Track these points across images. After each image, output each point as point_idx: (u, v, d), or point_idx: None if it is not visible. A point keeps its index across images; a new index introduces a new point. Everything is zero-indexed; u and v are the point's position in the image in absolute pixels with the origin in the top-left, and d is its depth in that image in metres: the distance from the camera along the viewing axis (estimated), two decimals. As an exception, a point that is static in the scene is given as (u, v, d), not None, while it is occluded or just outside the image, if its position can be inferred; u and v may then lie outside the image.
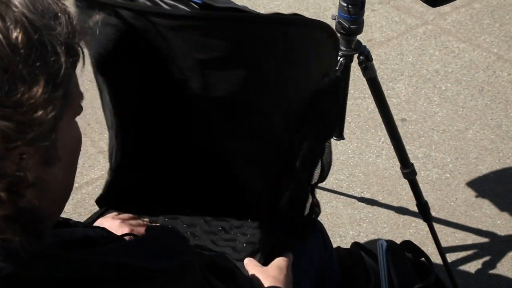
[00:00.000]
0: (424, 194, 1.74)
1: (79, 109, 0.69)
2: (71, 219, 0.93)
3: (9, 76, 0.58)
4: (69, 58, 0.64)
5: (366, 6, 1.34)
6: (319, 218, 1.38)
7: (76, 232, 0.76)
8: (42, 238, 0.64)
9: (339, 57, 1.41)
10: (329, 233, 1.32)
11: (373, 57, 1.47)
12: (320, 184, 2.12)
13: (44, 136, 0.62)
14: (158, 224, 0.91)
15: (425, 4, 1.22)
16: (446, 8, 2.85)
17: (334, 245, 1.62)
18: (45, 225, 0.67)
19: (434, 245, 1.78)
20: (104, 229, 0.95)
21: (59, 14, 0.64)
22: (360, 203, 2.07)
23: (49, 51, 0.61)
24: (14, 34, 0.59)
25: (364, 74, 1.48)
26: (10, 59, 0.58)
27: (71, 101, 0.66)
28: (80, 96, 0.69)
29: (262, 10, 2.93)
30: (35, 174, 0.62)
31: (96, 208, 1.77)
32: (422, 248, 1.79)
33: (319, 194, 2.10)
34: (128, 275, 0.67)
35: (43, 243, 0.65)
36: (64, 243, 0.70)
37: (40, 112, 0.60)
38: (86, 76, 0.86)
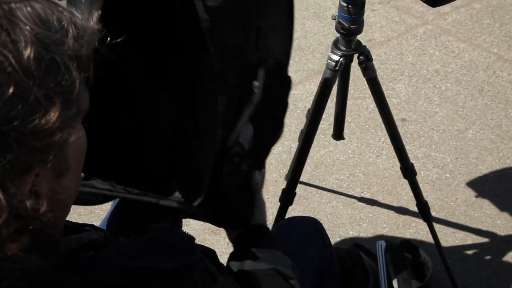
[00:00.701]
0: (424, 194, 1.74)
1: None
2: None
3: (24, 103, 0.55)
4: (81, 72, 0.61)
5: (366, 6, 1.34)
6: (319, 218, 1.39)
7: (83, 237, 0.74)
8: (57, 253, 0.63)
9: (339, 57, 1.41)
10: (329, 233, 1.32)
11: (373, 57, 1.47)
12: (320, 184, 2.13)
13: (59, 154, 0.60)
14: (162, 224, 0.90)
15: (425, 4, 1.22)
16: (446, 8, 2.85)
17: (334, 245, 1.62)
18: (59, 240, 0.67)
19: (434, 245, 1.78)
20: (93, 226, 0.95)
21: (66, 25, 0.61)
22: (360, 203, 2.07)
23: (61, 69, 0.58)
24: (25, 55, 0.55)
25: (364, 74, 1.48)
26: (25, 84, 0.55)
27: (82, 112, 0.64)
28: (88, 102, 0.67)
29: (262, 10, 2.92)
30: (47, 189, 0.61)
31: (96, 207, 1.78)
32: (422, 248, 1.80)
33: (319, 194, 2.10)
34: (141, 278, 0.66)
35: (57, 256, 0.63)
36: (73, 251, 0.69)
37: (58, 136, 0.58)
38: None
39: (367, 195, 2.09)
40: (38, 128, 0.56)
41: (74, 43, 0.60)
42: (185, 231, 0.82)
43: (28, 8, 0.58)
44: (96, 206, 2.04)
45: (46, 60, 0.57)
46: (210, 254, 0.89)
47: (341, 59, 1.41)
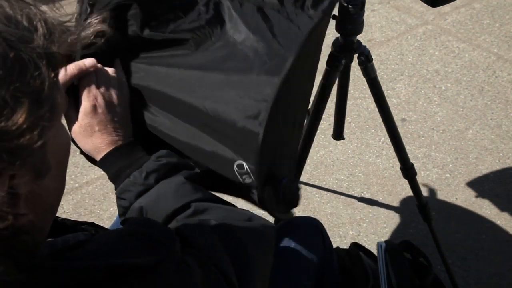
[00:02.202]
0: (424, 194, 1.74)
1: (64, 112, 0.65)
2: (58, 217, 0.91)
3: None
4: (52, 69, 0.59)
5: (366, 6, 1.34)
6: (319, 218, 1.38)
7: (69, 239, 0.72)
8: (36, 256, 0.61)
9: (339, 57, 1.41)
10: (329, 233, 1.32)
11: (373, 57, 1.47)
12: (320, 184, 2.13)
13: (34, 155, 0.58)
14: (136, 217, 0.89)
15: (425, 4, 1.22)
16: (446, 8, 2.85)
17: (334, 245, 1.62)
18: (39, 240, 0.65)
19: (434, 245, 1.78)
20: (92, 224, 0.95)
21: (35, 23, 0.59)
22: (360, 203, 2.07)
23: (29, 68, 0.56)
24: None
25: (364, 74, 1.48)
26: None
27: (58, 111, 0.62)
28: (65, 100, 0.65)
29: (262, 10, 2.93)
30: (26, 191, 0.59)
31: (96, 207, 1.78)
32: (422, 248, 1.80)
33: (319, 194, 2.10)
34: (116, 275, 0.64)
35: (38, 257, 0.61)
36: (57, 252, 0.67)
37: (27, 136, 0.56)
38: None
39: (367, 195, 2.09)
40: (4, 130, 0.54)
41: (44, 40, 0.58)
42: (162, 225, 0.79)
43: None
44: (96, 206, 2.04)
45: (10, 59, 0.55)
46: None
47: (341, 59, 1.40)
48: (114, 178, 0.94)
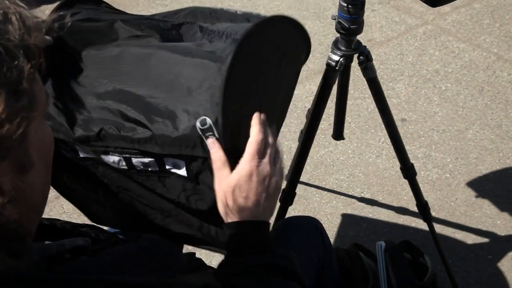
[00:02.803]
0: (424, 194, 1.74)
1: (46, 108, 0.65)
2: (59, 220, 0.90)
3: None
4: (28, 61, 0.59)
5: (366, 6, 1.34)
6: (319, 218, 1.38)
7: (64, 244, 0.71)
8: (25, 255, 0.60)
9: (339, 57, 1.41)
10: (329, 233, 1.32)
11: (373, 57, 1.47)
12: (320, 184, 2.13)
13: (14, 147, 0.57)
14: (149, 235, 0.87)
15: (425, 4, 1.22)
16: (446, 8, 2.85)
17: (334, 245, 1.62)
18: (26, 238, 0.64)
19: (434, 245, 1.78)
20: (92, 227, 0.94)
21: (10, 15, 0.59)
22: (360, 203, 2.07)
23: (5, 58, 0.56)
24: None
25: (364, 74, 1.48)
26: None
27: (38, 104, 0.62)
28: (46, 95, 0.65)
29: (262, 10, 2.93)
30: (10, 186, 0.58)
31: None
32: (422, 248, 1.80)
33: (319, 194, 2.10)
34: None
35: (28, 259, 0.61)
36: (52, 259, 0.67)
37: (6, 127, 0.55)
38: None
39: (367, 195, 2.09)
40: None
41: (19, 32, 0.58)
42: (173, 245, 0.77)
43: None
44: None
45: None
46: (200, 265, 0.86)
47: (341, 59, 1.40)
48: (233, 249, 0.87)
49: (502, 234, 1.95)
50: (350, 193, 2.10)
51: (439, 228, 1.94)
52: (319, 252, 1.25)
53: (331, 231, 1.97)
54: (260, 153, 0.87)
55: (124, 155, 0.94)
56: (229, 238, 0.87)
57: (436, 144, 2.25)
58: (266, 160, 0.88)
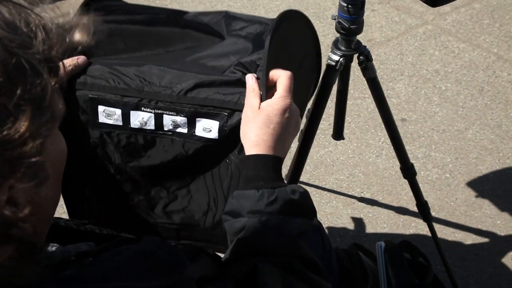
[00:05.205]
0: (424, 194, 1.74)
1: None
2: (62, 218, 0.90)
3: None
4: (53, 75, 0.58)
5: (366, 6, 1.34)
6: (319, 218, 1.38)
7: (69, 251, 0.70)
8: (38, 266, 0.60)
9: (339, 57, 1.41)
10: (329, 233, 1.32)
11: (373, 57, 1.47)
12: (320, 184, 2.13)
13: (33, 163, 0.56)
14: (150, 237, 0.87)
15: (425, 4, 1.22)
16: (446, 8, 2.85)
17: (334, 245, 1.62)
18: (42, 249, 0.64)
19: (434, 245, 1.78)
20: (95, 223, 0.94)
21: (34, 28, 0.57)
22: (360, 203, 2.07)
23: (30, 75, 0.54)
24: None
25: (364, 74, 1.48)
26: None
27: (58, 118, 0.61)
28: (63, 106, 0.63)
29: (262, 10, 2.93)
30: (26, 200, 0.57)
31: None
32: (422, 248, 1.80)
33: (319, 194, 2.10)
34: None
35: (36, 269, 0.60)
36: (57, 267, 0.66)
37: (30, 145, 0.54)
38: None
39: (367, 195, 2.09)
40: (7, 138, 0.53)
41: (44, 45, 0.57)
42: (178, 246, 0.77)
43: None
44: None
45: (11, 66, 0.53)
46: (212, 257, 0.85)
47: (341, 59, 1.40)
48: (246, 180, 0.90)
49: (502, 234, 1.95)
50: (350, 193, 2.10)
51: (439, 228, 1.94)
52: (319, 252, 1.25)
53: (331, 231, 1.97)
54: (291, 92, 0.92)
55: (156, 111, 0.97)
56: (246, 169, 0.90)
57: (436, 144, 2.25)
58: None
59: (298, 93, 1.05)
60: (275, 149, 0.90)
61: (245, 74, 0.97)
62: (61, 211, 2.08)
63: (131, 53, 1.03)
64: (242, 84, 0.96)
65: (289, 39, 1.04)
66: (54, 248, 0.70)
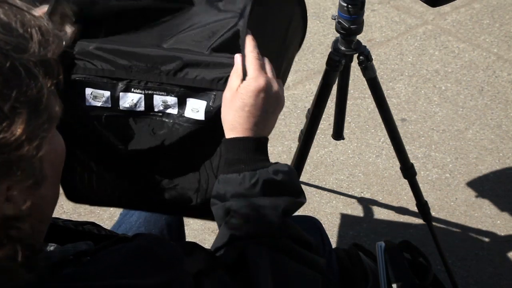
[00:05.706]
0: (424, 194, 1.74)
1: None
2: (60, 218, 0.90)
3: None
4: (49, 77, 0.57)
5: (366, 6, 1.34)
6: (319, 218, 1.38)
7: (68, 250, 0.70)
8: (38, 267, 0.60)
9: (339, 57, 1.41)
10: (329, 233, 1.32)
11: (373, 57, 1.47)
12: (320, 184, 2.13)
13: (30, 165, 0.56)
14: (147, 233, 0.87)
15: (425, 4, 1.22)
16: (446, 8, 2.85)
17: (334, 245, 1.62)
18: (42, 249, 0.64)
19: (434, 245, 1.78)
20: (94, 224, 0.94)
21: (30, 29, 0.56)
22: (360, 203, 2.07)
23: (25, 77, 0.54)
24: None
25: (364, 74, 1.48)
26: None
27: (55, 119, 0.60)
28: (60, 107, 0.62)
29: (262, 10, 2.93)
30: (24, 201, 0.57)
31: (96, 207, 1.76)
32: (422, 248, 1.80)
33: (319, 194, 2.10)
34: None
35: (35, 269, 0.60)
36: (56, 266, 0.65)
37: (26, 148, 0.54)
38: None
39: (367, 195, 2.09)
40: (3, 142, 0.52)
41: (40, 47, 0.56)
42: (173, 242, 0.76)
43: None
44: (96, 206, 2.04)
45: (6, 69, 0.53)
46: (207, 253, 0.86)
47: (341, 59, 1.41)
48: (227, 164, 0.89)
49: (502, 234, 1.95)
50: (350, 193, 2.10)
51: (439, 228, 1.94)
52: (319, 252, 1.25)
53: (331, 231, 1.97)
54: (264, 69, 0.90)
55: (147, 91, 0.97)
56: (226, 153, 0.89)
57: (436, 144, 2.25)
58: (270, 76, 0.90)
59: (288, 55, 1.06)
60: (254, 131, 0.88)
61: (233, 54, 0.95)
62: (61, 211, 2.09)
63: (115, 34, 1.02)
64: (230, 65, 0.94)
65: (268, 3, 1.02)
66: (52, 248, 0.69)
